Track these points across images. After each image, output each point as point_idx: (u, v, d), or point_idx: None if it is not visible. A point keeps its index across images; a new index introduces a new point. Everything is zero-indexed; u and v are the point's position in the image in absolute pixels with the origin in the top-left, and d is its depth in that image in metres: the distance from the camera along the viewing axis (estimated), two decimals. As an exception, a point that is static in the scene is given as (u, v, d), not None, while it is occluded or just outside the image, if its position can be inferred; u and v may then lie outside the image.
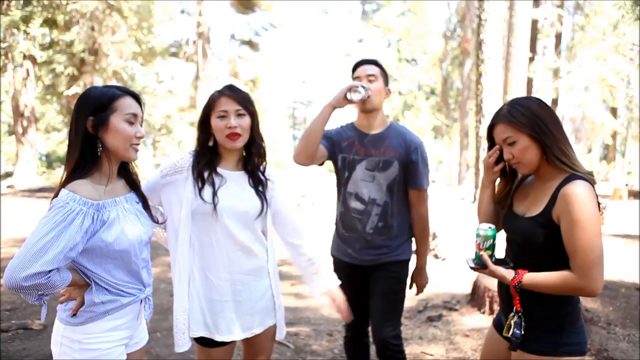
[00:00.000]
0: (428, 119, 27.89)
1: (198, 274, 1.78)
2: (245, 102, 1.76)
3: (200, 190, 1.73)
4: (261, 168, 1.87)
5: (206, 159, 1.78)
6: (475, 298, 4.10)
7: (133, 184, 1.56)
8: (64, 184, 1.36)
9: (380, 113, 2.26)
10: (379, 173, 2.21)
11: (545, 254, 1.48)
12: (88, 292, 1.40)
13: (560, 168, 1.47)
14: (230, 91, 1.77)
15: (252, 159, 1.84)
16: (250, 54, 21.43)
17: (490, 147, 1.66)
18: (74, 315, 1.39)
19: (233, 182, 1.79)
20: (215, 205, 1.72)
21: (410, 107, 29.06)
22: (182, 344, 1.77)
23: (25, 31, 13.42)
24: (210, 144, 1.83)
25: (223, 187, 1.76)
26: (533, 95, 20.45)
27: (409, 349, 3.40)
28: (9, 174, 18.73)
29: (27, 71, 15.24)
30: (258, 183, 1.83)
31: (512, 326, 1.53)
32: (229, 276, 1.78)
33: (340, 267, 2.32)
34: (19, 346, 3.29)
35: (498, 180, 1.71)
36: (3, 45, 13.80)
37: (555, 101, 21.69)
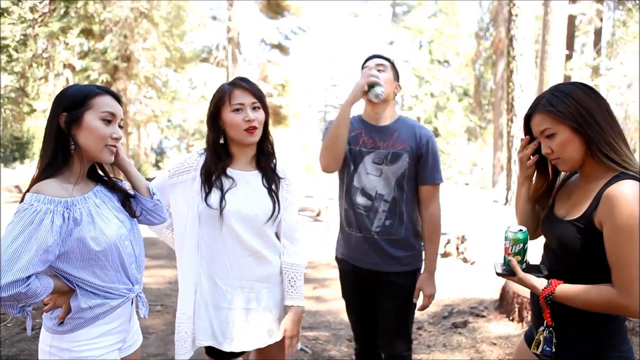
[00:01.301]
0: (461, 120, 27.31)
1: (206, 280, 1.70)
2: (260, 95, 1.69)
3: (207, 195, 1.65)
4: (273, 163, 1.78)
5: (216, 160, 1.70)
6: (504, 304, 3.89)
7: (99, 178, 1.47)
8: (29, 187, 1.29)
9: (389, 105, 2.13)
10: (387, 166, 2.06)
11: (584, 263, 1.30)
12: (74, 298, 1.33)
13: (608, 166, 1.27)
14: (245, 83, 1.69)
15: (265, 156, 1.75)
16: (279, 58, 21.56)
17: (529, 141, 1.46)
18: (61, 323, 1.33)
19: (244, 183, 1.71)
20: (222, 210, 1.63)
21: (442, 109, 28.57)
22: (183, 352, 1.69)
23: (64, 41, 13.96)
24: (221, 141, 1.75)
25: (232, 190, 1.68)
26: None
27: (431, 357, 3.25)
28: (50, 179, 19.54)
29: (67, 79, 15.87)
30: (271, 182, 1.74)
31: (542, 342, 1.36)
32: (239, 283, 1.70)
33: (346, 271, 2.22)
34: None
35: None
36: (45, 55, 14.40)
37: (595, 100, 20.85)
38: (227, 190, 1.66)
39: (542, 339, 1.37)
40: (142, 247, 1.53)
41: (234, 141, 1.71)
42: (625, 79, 17.80)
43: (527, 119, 1.42)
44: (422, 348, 3.40)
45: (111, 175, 1.50)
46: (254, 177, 1.73)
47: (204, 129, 24.06)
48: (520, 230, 1.38)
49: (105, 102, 1.36)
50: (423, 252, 2.18)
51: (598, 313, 1.29)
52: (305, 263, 1.84)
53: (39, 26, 12.63)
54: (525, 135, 1.46)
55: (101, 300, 1.36)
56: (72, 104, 1.33)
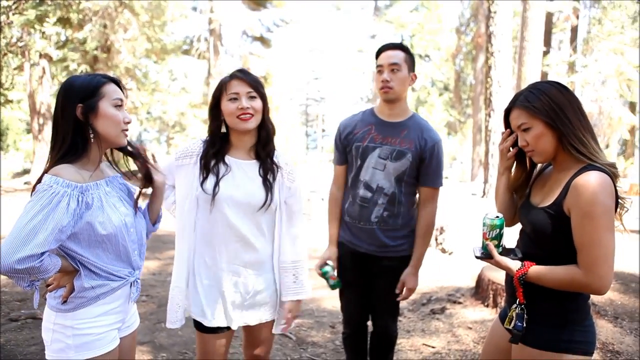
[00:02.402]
0: (441, 115, 27.65)
1: (199, 259, 1.80)
2: (256, 85, 1.76)
3: (204, 179, 1.74)
4: (272, 154, 1.84)
5: (215, 148, 1.78)
6: (480, 291, 4.06)
7: (117, 167, 1.56)
8: (48, 168, 1.36)
9: (402, 102, 2.21)
10: (390, 162, 2.16)
11: (554, 246, 1.42)
12: (77, 278, 1.41)
13: (577, 158, 1.39)
14: (241, 74, 1.76)
15: (263, 145, 1.82)
16: (261, 51, 21.49)
17: (509, 134, 1.59)
18: (65, 302, 1.41)
19: (241, 171, 1.79)
20: (214, 195, 1.72)
21: (423, 103, 28.85)
22: (175, 320, 1.80)
23: (41, 30, 13.64)
24: (223, 130, 1.82)
25: (227, 176, 1.76)
26: (548, 89, 20.13)
27: (410, 342, 3.39)
28: (26, 171, 19.11)
29: (43, 69, 15.49)
30: (267, 172, 1.81)
31: (514, 318, 1.49)
32: (227, 266, 1.79)
33: (345, 253, 2.33)
34: (27, 335, 3.36)
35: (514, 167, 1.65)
36: (20, 44, 14.05)
37: (570, 96, 21.31)
38: (222, 177, 1.75)
39: (514, 315, 1.49)
40: (144, 236, 1.62)
41: (233, 130, 1.79)
42: (599, 76, 18.29)
43: (507, 113, 1.54)
44: (402, 333, 3.54)
45: (122, 170, 1.58)
46: (251, 166, 1.81)
47: (185, 121, 23.87)
48: (497, 216, 1.50)
49: (113, 89, 1.44)
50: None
51: (564, 292, 1.41)
52: (306, 257, 1.94)
53: (13, 14, 12.33)
54: (505, 128, 1.58)
55: (103, 282, 1.44)
56: (86, 95, 1.39)
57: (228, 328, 1.82)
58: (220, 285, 1.79)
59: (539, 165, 1.61)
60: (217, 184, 1.73)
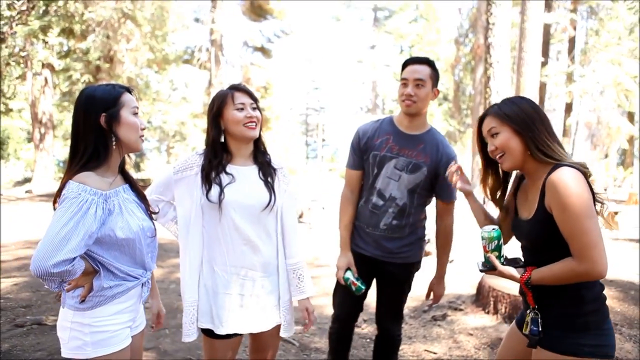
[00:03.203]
0: (441, 124, 27.75)
1: (206, 266, 1.84)
2: (256, 98, 1.88)
3: (207, 191, 1.79)
4: (268, 158, 1.93)
5: (217, 159, 1.83)
6: (480, 298, 4.10)
7: (127, 177, 1.63)
8: (71, 176, 1.42)
9: (422, 116, 2.25)
10: (405, 174, 2.20)
11: (552, 249, 1.47)
12: (97, 278, 1.48)
13: (546, 162, 1.48)
14: (244, 87, 1.88)
15: (260, 151, 1.91)
16: (262, 61, 21.65)
17: (479, 139, 1.68)
18: (83, 301, 1.47)
19: (243, 177, 1.84)
20: (220, 202, 1.77)
21: (422, 113, 28.98)
22: (190, 334, 1.83)
23: (44, 40, 13.78)
24: (222, 140, 1.87)
25: (232, 184, 1.81)
26: (546, 100, 20.31)
27: (412, 348, 3.43)
28: (27, 180, 19.16)
29: (46, 79, 15.64)
30: (267, 175, 1.88)
31: (530, 323, 1.53)
32: (235, 270, 1.82)
33: (354, 257, 2.36)
34: (33, 340, 3.39)
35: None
36: (22, 54, 14.17)
37: (569, 106, 21.48)
38: (225, 185, 1.80)
39: (529, 320, 1.54)
40: (157, 241, 1.69)
41: (233, 138, 1.85)
42: (597, 86, 18.44)
43: (480, 121, 1.64)
44: (404, 339, 3.57)
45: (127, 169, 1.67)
46: (252, 171, 1.88)
47: (185, 130, 23.95)
48: (493, 229, 1.56)
49: (130, 98, 1.54)
50: (421, 251, 2.40)
51: (582, 294, 1.46)
52: (304, 257, 2.00)
53: (17, 24, 12.46)
54: (478, 136, 1.68)
55: (119, 282, 1.51)
56: (108, 105, 1.48)
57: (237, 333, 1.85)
58: (230, 291, 1.82)
59: (513, 176, 1.71)
60: (221, 191, 1.78)
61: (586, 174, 1.44)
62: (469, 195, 1.80)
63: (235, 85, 1.88)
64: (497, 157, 1.58)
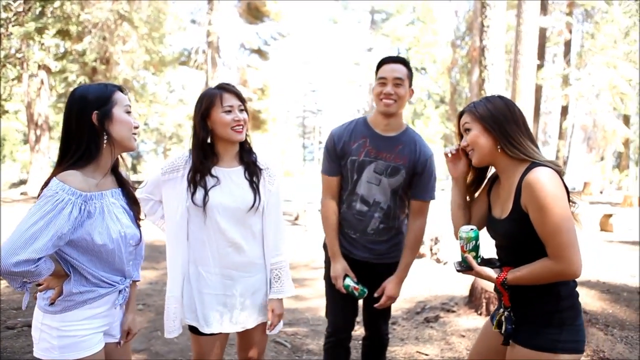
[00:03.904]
0: (437, 127, 27.87)
1: (191, 267, 1.86)
2: (244, 100, 1.87)
3: (192, 194, 1.79)
4: (254, 158, 1.92)
5: (202, 159, 1.82)
6: (473, 300, 4.11)
7: (121, 181, 1.60)
8: (56, 173, 1.40)
9: (398, 116, 2.20)
10: (385, 178, 2.17)
11: (528, 248, 1.49)
12: (67, 282, 1.44)
13: (520, 158, 1.50)
14: (233, 88, 1.85)
15: (246, 152, 1.90)
16: (259, 63, 21.69)
17: (459, 135, 1.71)
18: (52, 304, 1.44)
19: (228, 180, 1.84)
20: (205, 205, 1.78)
21: (420, 116, 29.09)
22: (172, 330, 1.85)
23: (40, 42, 13.74)
24: (208, 141, 1.87)
25: (216, 187, 1.81)
26: (542, 102, 20.38)
27: (404, 349, 3.42)
28: (22, 182, 19.09)
29: (42, 81, 15.56)
30: (253, 174, 1.88)
31: (504, 322, 1.55)
32: (219, 271, 1.84)
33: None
34: (23, 342, 3.37)
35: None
36: (18, 55, 14.13)
37: (565, 109, 21.57)
38: (210, 188, 1.80)
39: (503, 319, 1.56)
40: (143, 248, 1.67)
41: (220, 140, 1.85)
42: (593, 89, 18.52)
43: (459, 117, 1.68)
44: (396, 341, 3.57)
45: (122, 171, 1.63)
46: (237, 173, 1.88)
47: (182, 132, 23.92)
48: (472, 229, 1.57)
49: (123, 97, 1.52)
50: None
51: (557, 291, 1.48)
52: (287, 257, 2.00)
53: (13, 25, 12.42)
54: (457, 131, 1.71)
55: (91, 288, 1.47)
56: (101, 103, 1.46)
57: None
58: (215, 291, 1.84)
59: (489, 174, 1.73)
60: (206, 194, 1.78)
61: (560, 173, 1.46)
62: (457, 180, 1.76)
63: (224, 85, 1.86)
64: (469, 151, 1.62)
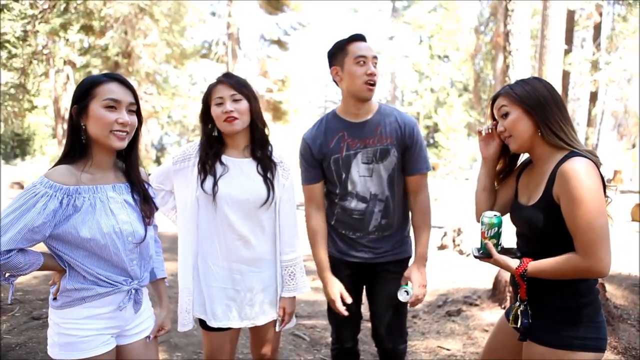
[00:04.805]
0: (461, 116, 27.33)
1: (200, 260, 1.84)
2: (239, 87, 1.77)
3: (202, 181, 1.77)
4: (269, 152, 1.86)
5: (211, 149, 1.81)
6: (496, 293, 4.00)
7: (130, 176, 1.52)
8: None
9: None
10: (377, 164, 1.98)
11: (552, 240, 1.42)
12: (63, 278, 1.41)
13: (558, 146, 1.42)
14: (225, 78, 1.80)
15: (258, 144, 1.84)
16: (279, 54, 21.59)
17: (492, 119, 1.62)
18: (55, 298, 1.42)
19: (238, 170, 1.81)
20: (214, 195, 1.75)
21: (442, 105, 28.58)
22: (186, 323, 1.84)
23: (65, 38, 14.02)
24: (215, 133, 1.86)
25: (225, 176, 1.78)
26: (570, 89, 19.77)
27: (425, 344, 3.36)
28: (51, 175, 19.60)
29: (67, 76, 15.92)
30: (267, 169, 1.82)
31: (520, 316, 1.48)
32: (227, 264, 1.82)
33: (340, 266, 2.09)
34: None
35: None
36: (45, 52, 14.45)
37: (594, 95, 20.87)
38: (220, 177, 1.77)
39: (519, 313, 1.49)
40: (151, 247, 1.58)
41: (224, 133, 1.83)
42: (624, 74, 17.85)
43: (492, 101, 1.58)
44: (417, 335, 3.51)
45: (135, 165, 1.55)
46: (249, 164, 1.83)
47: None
48: (495, 215, 1.50)
49: (108, 89, 1.39)
50: (412, 244, 2.15)
51: (577, 287, 1.41)
52: (301, 254, 1.95)
53: (39, 22, 12.67)
54: (490, 116, 1.61)
55: (88, 285, 1.41)
56: (80, 96, 1.39)
57: None
58: (222, 284, 1.82)
59: (520, 159, 1.65)
60: (215, 183, 1.76)
61: (598, 164, 1.38)
62: (487, 161, 1.67)
63: (219, 77, 1.82)
64: (505, 137, 1.52)
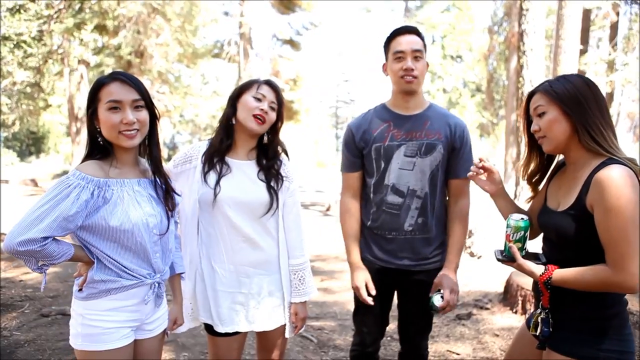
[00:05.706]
0: (474, 116, 27.09)
1: (205, 263, 1.81)
2: (281, 98, 1.81)
3: (205, 174, 1.76)
4: (277, 164, 1.84)
5: (219, 146, 1.79)
6: (508, 297, 3.93)
7: (153, 171, 1.57)
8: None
9: (420, 94, 1.99)
10: (420, 159, 1.91)
11: (580, 248, 1.36)
12: (90, 269, 1.45)
13: (595, 151, 1.34)
14: (275, 84, 1.82)
15: (269, 158, 1.83)
16: (291, 53, 21.60)
17: (525, 116, 1.53)
18: (80, 290, 1.46)
19: (240, 172, 1.79)
20: (216, 195, 1.73)
21: (455, 105, 28.35)
22: (186, 325, 1.83)
23: (79, 37, 14.17)
24: (232, 122, 1.81)
25: (227, 177, 1.77)
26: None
27: (434, 347, 3.31)
28: (65, 172, 19.87)
29: (81, 75, 16.10)
30: (271, 178, 1.80)
31: (540, 324, 1.43)
32: (234, 267, 1.79)
33: (371, 273, 2.02)
34: (56, 330, 3.46)
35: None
36: (60, 51, 14.62)
37: (610, 96, 20.51)
38: (222, 175, 1.76)
39: (539, 320, 1.43)
40: (171, 241, 1.62)
41: (239, 126, 1.79)
42: (641, 75, 17.52)
43: (529, 98, 1.49)
44: (426, 338, 3.45)
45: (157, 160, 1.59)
46: (251, 167, 1.82)
47: (216, 124, 24.29)
48: (522, 218, 1.44)
49: (109, 91, 1.42)
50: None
51: (604, 296, 1.34)
52: (309, 257, 1.94)
53: (54, 22, 12.82)
54: (525, 113, 1.53)
55: (114, 277, 1.46)
56: (90, 100, 1.46)
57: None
58: (229, 288, 1.79)
59: (555, 162, 1.57)
60: (217, 182, 1.74)
61: (637, 173, 1.29)
62: (496, 196, 1.65)
63: (269, 79, 1.83)
64: (539, 138, 1.45)
